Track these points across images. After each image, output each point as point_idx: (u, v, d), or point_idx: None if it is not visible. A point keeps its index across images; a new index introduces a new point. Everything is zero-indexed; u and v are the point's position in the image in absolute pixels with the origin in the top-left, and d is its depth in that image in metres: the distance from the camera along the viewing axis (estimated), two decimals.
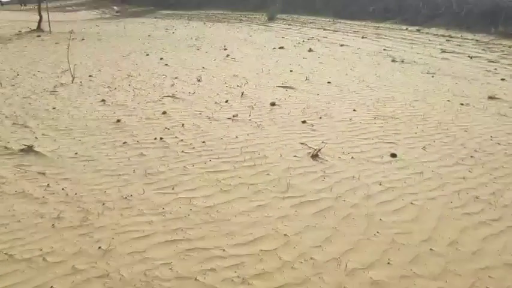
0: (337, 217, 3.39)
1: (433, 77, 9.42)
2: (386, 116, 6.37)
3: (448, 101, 7.47)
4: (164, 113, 5.94)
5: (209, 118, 5.79)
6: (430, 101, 7.37)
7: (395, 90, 8.13)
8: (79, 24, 25.36)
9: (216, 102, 6.65)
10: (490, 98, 7.68)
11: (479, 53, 11.73)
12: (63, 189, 3.70)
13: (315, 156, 4.61)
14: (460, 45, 12.74)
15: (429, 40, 13.70)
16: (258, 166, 4.28)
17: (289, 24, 19.99)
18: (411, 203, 3.69)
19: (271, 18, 22.21)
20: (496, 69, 9.97)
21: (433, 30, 15.35)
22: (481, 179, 4.32)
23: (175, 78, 8.44)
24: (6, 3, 57.06)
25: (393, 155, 4.85)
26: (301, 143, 5.01)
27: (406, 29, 16.07)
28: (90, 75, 8.49)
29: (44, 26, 19.51)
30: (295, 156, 4.61)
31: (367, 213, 3.47)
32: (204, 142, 4.86)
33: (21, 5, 57.27)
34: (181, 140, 4.91)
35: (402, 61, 11.02)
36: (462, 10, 15.54)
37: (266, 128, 5.50)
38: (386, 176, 4.28)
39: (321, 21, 20.10)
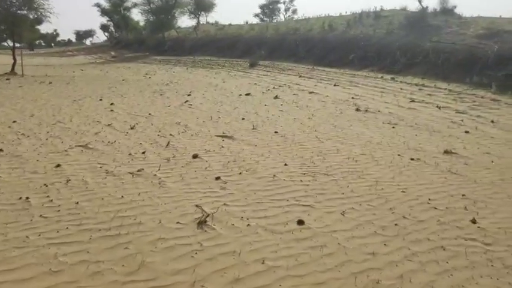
0: None
1: (393, 127, 8.79)
2: (318, 172, 5.66)
3: (399, 155, 6.79)
4: (58, 166, 5.24)
5: (107, 172, 5.09)
6: (377, 155, 6.68)
7: (345, 142, 7.47)
8: (67, 67, 25.29)
9: (130, 154, 5.98)
10: (446, 152, 7.00)
11: (449, 103, 11.17)
12: None
13: (202, 223, 3.86)
14: (431, 94, 12.22)
15: (401, 89, 13.21)
16: (121, 236, 3.52)
17: (267, 71, 19.71)
18: None
19: (253, 65, 22.03)
20: (462, 120, 9.36)
21: (408, 78, 14.93)
22: (393, 256, 3.55)
23: (108, 125, 7.83)
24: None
25: (300, 222, 4.09)
26: (197, 205, 4.26)
27: (381, 77, 15.67)
28: (14, 121, 7.87)
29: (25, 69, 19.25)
30: (178, 223, 3.86)
31: None
32: (77, 203, 4.13)
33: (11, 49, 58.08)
34: (51, 200, 4.18)
35: (366, 110, 10.45)
36: (439, 59, 15.17)
37: (167, 186, 4.78)
38: (278, 250, 3.51)
39: (301, 68, 19.83)
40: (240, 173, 5.42)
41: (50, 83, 15.64)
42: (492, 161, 6.62)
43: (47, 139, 6.66)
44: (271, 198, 4.69)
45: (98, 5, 52.06)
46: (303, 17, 35.41)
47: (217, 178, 5.14)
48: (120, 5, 52.46)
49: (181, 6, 46.37)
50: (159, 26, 44.17)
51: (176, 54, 36.12)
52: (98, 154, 5.92)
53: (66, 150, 6.01)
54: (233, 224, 3.91)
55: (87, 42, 69.65)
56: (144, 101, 11.21)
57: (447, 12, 21.02)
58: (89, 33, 72.17)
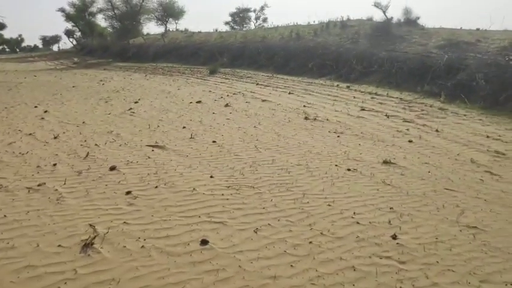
0: None
1: (338, 136, 8.57)
2: (244, 185, 5.31)
3: (336, 165, 6.53)
4: None
5: (0, 188, 4.57)
6: (313, 166, 6.40)
7: (285, 151, 7.17)
8: (20, 73, 24.22)
9: (38, 166, 5.48)
10: (385, 162, 6.80)
11: (398, 111, 11.10)
12: None
13: (87, 245, 3.41)
14: (382, 103, 12.15)
15: (354, 97, 13.10)
16: None
17: (226, 78, 19.38)
18: None
19: (213, 72, 21.67)
20: (408, 129, 9.25)
21: (363, 87, 14.88)
22: (296, 280, 3.22)
23: (30, 134, 7.28)
24: None
25: (203, 242, 3.72)
26: (90, 225, 3.82)
27: (337, 85, 15.59)
28: None
29: None
30: (59, 246, 3.42)
31: None
32: None
33: None
34: None
35: (315, 119, 10.22)
36: (393, 68, 15.20)
37: (66, 203, 4.32)
38: (165, 276, 3.12)
39: (260, 76, 19.60)
40: (156, 187, 5.02)
41: None
42: (429, 172, 6.45)
43: None
44: (181, 214, 4.30)
45: (62, 10, 50.58)
46: (272, 26, 35.35)
47: (128, 193, 4.72)
48: (85, 10, 51.23)
49: (148, 12, 45.69)
50: (124, 33, 43.35)
51: (139, 61, 35.41)
52: (0, 167, 5.38)
53: None
54: (125, 246, 3.49)
55: (54, 48, 67.92)
56: (84, 108, 10.64)
57: (411, 23, 21.26)
58: (56, 39, 70.39)
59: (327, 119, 10.21)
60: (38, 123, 8.39)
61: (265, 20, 54.22)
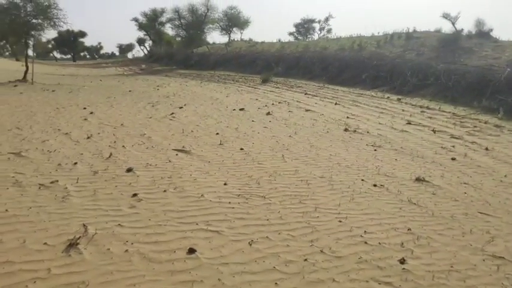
0: None
1: (375, 150, 8.16)
2: (256, 194, 5.16)
3: (362, 180, 6.20)
4: None
5: (14, 183, 4.81)
6: (337, 179, 6.10)
7: (312, 163, 6.93)
8: (88, 78, 25.73)
9: (59, 164, 5.68)
10: (418, 180, 6.34)
11: (448, 127, 10.38)
12: None
13: (72, 245, 3.43)
14: (431, 117, 11.44)
15: (402, 110, 12.47)
16: None
17: (276, 87, 19.31)
18: None
19: (265, 81, 21.70)
20: (454, 146, 8.60)
21: (416, 100, 14.16)
22: None
23: (66, 134, 7.60)
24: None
25: (191, 251, 3.62)
26: (84, 224, 3.84)
27: (388, 97, 14.95)
28: None
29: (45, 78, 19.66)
30: (45, 244, 3.45)
31: None
32: None
33: (56, 60, 60.88)
34: None
35: (355, 131, 9.83)
36: (450, 81, 14.33)
37: (70, 201, 4.42)
38: (138, 284, 3.05)
39: (311, 86, 19.33)
40: (165, 191, 4.99)
41: (53, 91, 15.78)
42: (465, 192, 5.91)
43: None
44: (179, 220, 4.22)
45: (135, 19, 53.38)
46: (335, 37, 34.84)
47: (134, 195, 4.72)
48: (155, 20, 53.63)
49: (212, 22, 46.82)
50: (189, 41, 44.76)
51: (200, 68, 36.41)
52: (23, 163, 5.63)
53: None
54: (109, 249, 3.46)
55: (129, 55, 71.86)
56: (129, 111, 11.01)
57: (483, 35, 19.99)
58: (130, 47, 74.50)
59: (368, 132, 9.77)
60: (79, 124, 8.76)
61: (329, 31, 53.73)
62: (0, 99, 12.21)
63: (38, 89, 16.27)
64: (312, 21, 56.51)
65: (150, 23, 54.19)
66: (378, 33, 27.58)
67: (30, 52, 22.29)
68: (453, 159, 7.71)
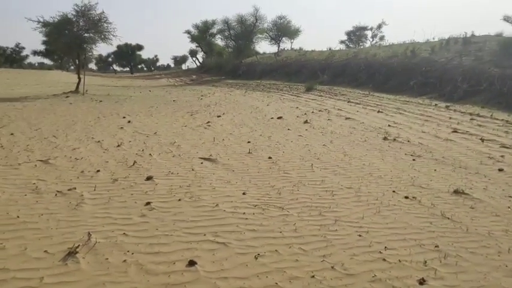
0: None
1: (414, 160, 7.69)
2: (274, 205, 4.96)
3: (394, 191, 5.82)
4: None
5: (33, 190, 4.92)
6: (365, 190, 5.77)
7: (342, 173, 6.62)
8: (139, 89, 26.62)
9: (82, 172, 5.78)
10: (456, 192, 5.86)
11: (498, 135, 9.63)
12: None
13: (71, 253, 3.40)
14: (481, 125, 10.68)
15: (450, 118, 11.75)
16: None
17: (319, 96, 18.97)
18: None
19: (309, 89, 21.43)
20: (503, 156, 7.94)
21: (466, 107, 13.32)
22: None
23: (98, 141, 7.76)
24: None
25: (191, 263, 3.48)
26: (89, 233, 3.82)
27: (435, 105, 14.20)
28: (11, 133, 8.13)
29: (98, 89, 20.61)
30: (45, 251, 3.46)
31: None
32: None
33: (115, 73, 64.21)
34: None
35: (394, 139, 9.36)
36: (504, 86, 13.37)
37: (82, 209, 4.43)
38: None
39: (356, 93, 18.81)
40: (179, 200, 4.90)
41: (100, 101, 16.38)
42: (509, 207, 5.37)
43: (18, 152, 6.70)
44: (187, 231, 4.10)
45: (188, 31, 54.96)
46: (388, 44, 33.85)
47: (147, 204, 4.66)
48: (206, 31, 54.86)
49: (261, 32, 47.10)
50: (238, 52, 45.31)
51: (247, 78, 36.72)
52: (48, 170, 5.77)
53: (19, 164, 5.94)
54: (107, 259, 3.39)
55: (184, 67, 74.27)
56: (166, 120, 11.16)
57: None
58: (184, 59, 76.95)
59: (408, 140, 9.26)
60: (113, 132, 8.95)
61: (382, 38, 52.44)
62: (49, 109, 12.80)
63: (87, 99, 16.97)
64: (364, 28, 55.48)
65: (202, 34, 55.48)
66: (433, 38, 26.43)
67: (88, 64, 23.43)
68: (500, 170, 7.09)
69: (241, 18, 44.78)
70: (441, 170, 7.10)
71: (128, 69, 77.84)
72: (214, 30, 53.58)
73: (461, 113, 12.48)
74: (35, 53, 63.35)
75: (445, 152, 8.30)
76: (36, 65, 71.34)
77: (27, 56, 66.92)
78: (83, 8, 19.62)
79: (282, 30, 47.26)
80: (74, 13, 19.77)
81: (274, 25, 46.70)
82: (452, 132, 10.01)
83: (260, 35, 48.01)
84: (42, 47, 59.80)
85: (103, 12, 19.91)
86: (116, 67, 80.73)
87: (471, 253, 4.05)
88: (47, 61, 68.00)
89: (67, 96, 17.79)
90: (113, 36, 20.10)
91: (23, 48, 65.01)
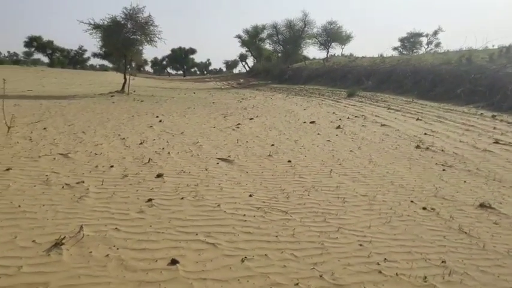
0: None
1: (444, 170, 7.28)
2: (278, 209, 4.85)
3: (412, 201, 5.51)
4: (8, 169, 5.34)
5: (44, 182, 5.02)
6: (380, 199, 5.51)
7: (361, 180, 6.38)
8: (185, 91, 27.25)
9: (96, 166, 5.88)
10: (482, 206, 5.46)
11: None
12: None
13: (57, 245, 3.45)
14: None
15: (494, 128, 11.04)
16: None
17: (360, 102, 18.49)
18: None
19: (351, 95, 20.96)
20: None
21: None
22: None
23: (123, 138, 7.92)
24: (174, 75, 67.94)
25: (173, 262, 3.44)
26: (82, 225, 3.87)
27: (481, 114, 13.40)
28: (44, 128, 8.47)
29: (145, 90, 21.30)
30: (33, 241, 3.53)
31: None
32: None
33: (169, 76, 66.37)
34: None
35: (427, 148, 8.91)
36: None
37: (84, 202, 4.49)
38: None
39: (398, 100, 18.17)
40: (182, 198, 4.87)
41: (142, 101, 16.85)
42: None
43: (43, 145, 6.96)
44: (180, 229, 4.06)
45: (238, 36, 55.75)
46: (443, 51, 32.45)
47: (149, 200, 4.67)
48: (256, 36, 55.33)
49: (310, 37, 46.77)
50: (286, 56, 45.28)
51: (292, 83, 36.60)
52: (64, 163, 5.93)
53: (40, 157, 6.15)
54: (91, 252, 3.40)
55: (235, 71, 75.47)
56: (197, 121, 11.27)
57: None
58: (235, 63, 78.25)
59: (442, 150, 8.77)
60: (141, 130, 9.13)
61: (437, 45, 50.46)
62: (90, 107, 13.30)
63: (130, 99, 17.51)
64: (419, 35, 53.65)
65: (251, 39, 55.96)
66: (493, 46, 25.00)
67: (135, 65, 24.29)
68: None
69: (290, 23, 44.73)
70: (472, 182, 6.64)
71: (181, 72, 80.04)
72: (264, 35, 53.84)
73: (508, 123, 11.69)
74: (94, 55, 66.65)
75: (481, 163, 7.78)
76: (98, 66, 75.01)
77: (89, 58, 70.56)
78: (131, 12, 20.33)
79: (332, 35, 46.62)
80: (123, 16, 20.53)
81: (324, 30, 46.15)
82: (494, 143, 9.38)
83: (309, 40, 47.63)
84: (101, 50, 62.74)
85: (150, 15, 20.55)
86: (170, 70, 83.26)
87: (481, 272, 3.72)
88: (106, 63, 71.41)
89: (112, 96, 18.45)
90: (158, 38, 20.65)
91: (85, 50, 68.59)
